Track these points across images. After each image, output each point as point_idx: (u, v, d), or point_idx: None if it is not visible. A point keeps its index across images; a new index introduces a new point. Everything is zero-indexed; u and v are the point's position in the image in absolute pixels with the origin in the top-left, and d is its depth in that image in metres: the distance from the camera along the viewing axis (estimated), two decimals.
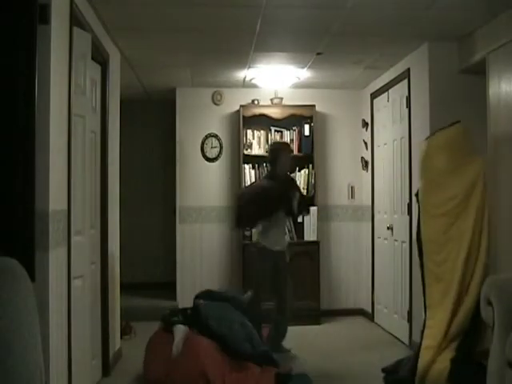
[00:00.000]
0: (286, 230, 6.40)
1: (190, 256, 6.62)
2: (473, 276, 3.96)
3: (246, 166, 6.43)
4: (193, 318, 4.33)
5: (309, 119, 6.49)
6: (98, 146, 4.28)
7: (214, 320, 4.22)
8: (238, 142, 6.53)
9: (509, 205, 3.88)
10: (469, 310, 3.91)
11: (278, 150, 5.09)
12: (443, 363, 3.89)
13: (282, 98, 6.53)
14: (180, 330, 4.20)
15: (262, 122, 6.49)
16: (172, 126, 6.77)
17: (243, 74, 6.00)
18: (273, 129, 6.56)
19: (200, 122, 6.68)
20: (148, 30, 4.55)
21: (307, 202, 5.66)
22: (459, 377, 3.79)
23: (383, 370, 4.30)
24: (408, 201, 5.21)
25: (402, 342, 5.36)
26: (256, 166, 6.48)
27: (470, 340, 3.95)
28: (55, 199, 3.08)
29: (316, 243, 6.33)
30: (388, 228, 5.75)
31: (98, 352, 4.25)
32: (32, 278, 2.07)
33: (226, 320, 4.27)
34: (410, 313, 5.18)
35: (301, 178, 6.47)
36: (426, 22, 4.30)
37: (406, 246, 5.27)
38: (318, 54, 5.20)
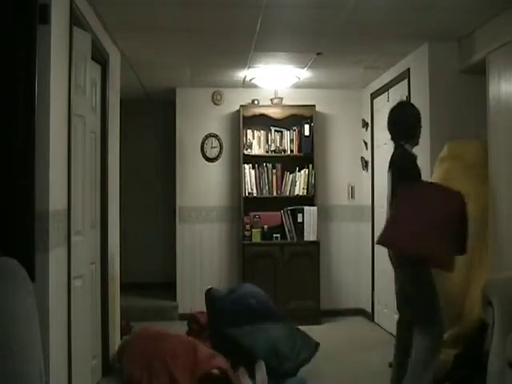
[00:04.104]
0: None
1: (190, 256, 6.62)
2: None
3: (246, 166, 6.43)
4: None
5: (309, 119, 6.49)
6: (98, 145, 4.28)
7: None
8: (238, 142, 6.53)
9: (509, 203, 3.88)
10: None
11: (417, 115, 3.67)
12: (447, 355, 3.87)
13: (282, 98, 6.53)
14: (261, 366, 4.08)
15: (262, 121, 6.49)
16: (172, 126, 6.77)
17: (243, 73, 6.00)
18: (273, 129, 6.56)
19: (200, 122, 6.68)
20: (148, 29, 4.55)
21: None
22: (459, 374, 3.79)
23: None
24: None
25: None
26: (256, 165, 6.48)
27: (476, 340, 3.93)
28: (55, 199, 3.07)
29: (316, 243, 6.32)
30: None
31: (97, 352, 4.25)
32: (32, 278, 2.07)
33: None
34: None
35: (301, 178, 6.48)
36: (425, 22, 4.30)
37: None
38: (318, 53, 5.20)
